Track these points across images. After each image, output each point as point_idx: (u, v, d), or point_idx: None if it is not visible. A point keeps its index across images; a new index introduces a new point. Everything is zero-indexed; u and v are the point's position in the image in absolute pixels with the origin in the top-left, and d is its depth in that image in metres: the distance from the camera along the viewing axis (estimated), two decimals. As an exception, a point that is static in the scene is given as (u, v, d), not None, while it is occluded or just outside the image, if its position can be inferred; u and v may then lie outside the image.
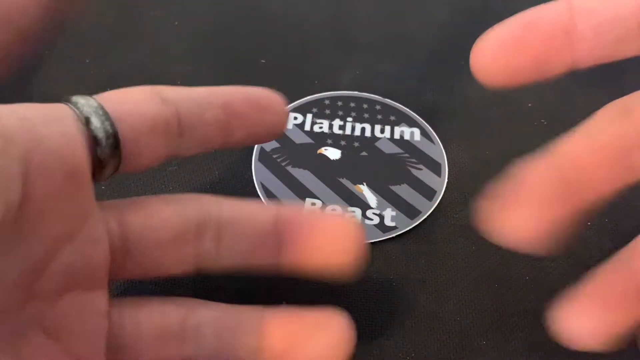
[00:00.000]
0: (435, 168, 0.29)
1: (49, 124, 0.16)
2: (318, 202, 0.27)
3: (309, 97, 0.32)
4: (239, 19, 0.37)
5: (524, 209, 0.16)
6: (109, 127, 0.17)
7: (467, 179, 0.29)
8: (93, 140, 0.17)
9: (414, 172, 0.29)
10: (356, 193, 0.28)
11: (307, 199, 0.28)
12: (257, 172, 0.29)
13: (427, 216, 0.27)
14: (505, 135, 0.31)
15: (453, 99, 0.32)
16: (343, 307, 0.24)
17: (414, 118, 0.31)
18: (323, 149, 0.30)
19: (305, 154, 0.29)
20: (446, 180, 0.29)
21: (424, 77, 0.34)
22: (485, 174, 0.29)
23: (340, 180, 0.28)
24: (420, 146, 0.30)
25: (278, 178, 0.28)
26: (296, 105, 0.32)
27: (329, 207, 0.27)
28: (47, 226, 0.16)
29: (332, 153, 0.30)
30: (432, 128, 0.31)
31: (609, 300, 0.15)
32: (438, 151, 0.30)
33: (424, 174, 0.29)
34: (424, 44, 0.35)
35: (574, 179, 0.15)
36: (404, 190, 0.28)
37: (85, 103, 0.17)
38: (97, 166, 0.17)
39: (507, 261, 0.26)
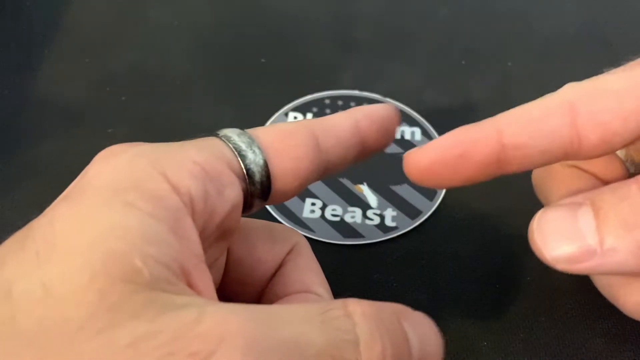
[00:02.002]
0: (436, 168, 0.29)
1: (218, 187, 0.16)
2: (318, 202, 0.27)
3: (309, 97, 0.32)
4: (239, 19, 0.37)
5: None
6: (265, 181, 0.17)
7: (467, 179, 0.29)
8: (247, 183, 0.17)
9: (415, 172, 0.29)
10: (356, 193, 0.28)
11: (307, 199, 0.27)
12: (257, 172, 0.29)
13: (428, 216, 0.27)
14: (506, 135, 0.31)
15: (453, 98, 0.32)
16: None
17: (415, 118, 0.31)
18: (323, 149, 0.30)
19: (306, 154, 0.29)
20: (447, 180, 0.28)
21: (424, 77, 0.33)
22: (485, 174, 0.29)
23: (341, 180, 0.28)
24: (421, 146, 0.30)
25: (278, 178, 0.28)
26: (296, 105, 0.32)
27: (329, 207, 0.27)
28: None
29: (332, 153, 0.29)
30: (433, 127, 0.31)
31: None
32: (438, 151, 0.30)
33: (425, 174, 0.29)
34: (424, 44, 0.35)
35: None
36: (404, 190, 0.28)
37: (251, 157, 0.17)
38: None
39: (507, 261, 0.26)
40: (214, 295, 0.15)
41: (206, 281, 0.15)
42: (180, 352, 0.12)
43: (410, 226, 0.27)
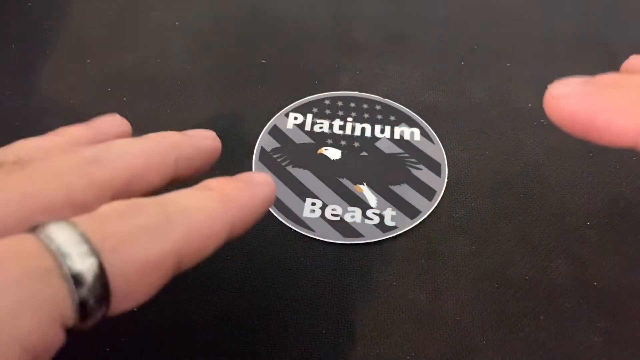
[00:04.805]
0: (435, 168, 0.29)
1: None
2: (318, 202, 0.27)
3: (309, 97, 0.32)
4: (239, 19, 0.37)
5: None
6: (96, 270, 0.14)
7: (467, 179, 0.29)
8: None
9: (414, 172, 0.29)
10: (356, 193, 0.28)
11: (307, 199, 0.28)
12: (258, 172, 0.29)
13: (427, 216, 0.27)
14: (505, 135, 0.31)
15: (453, 99, 0.32)
16: (343, 306, 0.25)
17: (414, 118, 0.31)
18: (323, 149, 0.30)
19: (306, 154, 0.29)
20: (446, 180, 0.29)
21: (424, 77, 0.34)
22: (485, 174, 0.29)
23: (340, 180, 0.28)
24: (420, 146, 0.30)
25: (278, 178, 0.28)
26: (296, 105, 0.32)
27: (329, 207, 0.27)
28: None
29: (332, 153, 0.30)
30: (432, 128, 0.31)
31: None
32: (438, 151, 0.30)
33: (424, 174, 0.29)
34: (424, 44, 0.35)
35: None
36: (404, 190, 0.28)
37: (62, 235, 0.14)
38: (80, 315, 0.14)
39: (507, 261, 0.26)
40: None
41: None
42: None
43: (409, 226, 0.27)
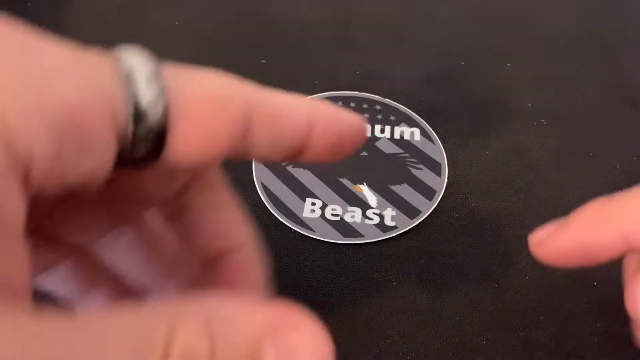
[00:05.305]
0: (435, 168, 0.29)
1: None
2: (318, 202, 0.27)
3: (309, 97, 0.32)
4: (239, 19, 0.37)
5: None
6: (152, 149, 0.13)
7: (467, 179, 0.29)
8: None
9: (414, 171, 0.29)
10: (356, 193, 0.28)
11: (307, 199, 0.28)
12: (258, 172, 0.29)
13: (427, 216, 0.27)
14: (505, 135, 0.31)
15: (453, 99, 0.32)
16: (343, 306, 0.25)
17: (414, 118, 0.31)
18: (323, 148, 0.30)
19: (306, 153, 0.29)
20: (446, 180, 0.29)
21: (424, 77, 0.34)
22: (485, 174, 0.29)
23: (340, 180, 0.28)
24: (420, 146, 0.30)
25: (278, 178, 0.28)
26: (296, 105, 0.32)
27: (329, 207, 0.27)
28: None
29: (332, 153, 0.30)
30: (432, 128, 0.31)
31: None
32: (438, 151, 0.30)
33: (424, 174, 0.29)
34: (424, 44, 0.35)
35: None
36: (404, 190, 0.28)
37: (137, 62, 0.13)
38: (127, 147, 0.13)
39: (507, 261, 0.26)
40: (27, 287, 0.11)
41: (20, 273, 0.11)
42: None
43: (409, 225, 0.27)
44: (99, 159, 0.12)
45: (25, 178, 0.11)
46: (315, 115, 0.15)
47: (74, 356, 0.10)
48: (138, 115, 0.12)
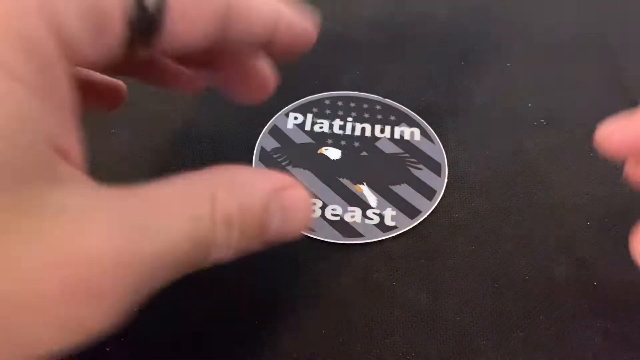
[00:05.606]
0: (435, 168, 0.29)
1: None
2: (318, 202, 0.27)
3: (309, 97, 0.32)
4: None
5: None
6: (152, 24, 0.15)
7: (467, 178, 0.29)
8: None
9: (414, 171, 0.29)
10: (356, 193, 0.28)
11: (307, 199, 0.28)
12: (258, 172, 0.29)
13: (427, 216, 0.27)
14: (505, 135, 0.31)
15: (453, 99, 0.32)
16: (343, 306, 0.25)
17: (414, 118, 0.31)
18: (323, 148, 0.30)
19: (306, 154, 0.29)
20: (446, 180, 0.29)
21: (424, 77, 0.34)
22: (485, 174, 0.29)
23: (341, 180, 0.28)
24: (420, 146, 0.30)
25: (278, 178, 0.28)
26: (296, 105, 0.32)
27: (329, 207, 0.27)
28: None
29: (332, 153, 0.30)
30: (432, 128, 0.31)
31: None
32: (438, 151, 0.30)
33: (424, 174, 0.29)
34: (423, 44, 0.35)
35: None
36: (404, 190, 0.28)
37: None
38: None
39: (506, 261, 0.26)
40: (82, 162, 0.15)
41: (76, 146, 0.15)
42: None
43: (409, 225, 0.27)
44: (113, 38, 0.14)
45: (67, 64, 0.14)
46: (280, 17, 0.18)
47: (145, 221, 0.14)
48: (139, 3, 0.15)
